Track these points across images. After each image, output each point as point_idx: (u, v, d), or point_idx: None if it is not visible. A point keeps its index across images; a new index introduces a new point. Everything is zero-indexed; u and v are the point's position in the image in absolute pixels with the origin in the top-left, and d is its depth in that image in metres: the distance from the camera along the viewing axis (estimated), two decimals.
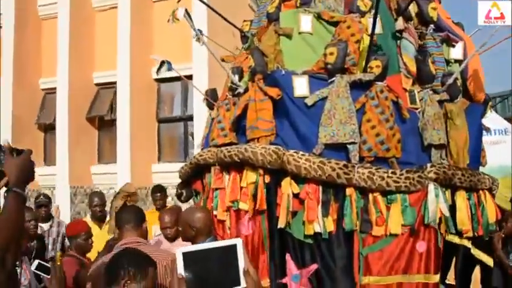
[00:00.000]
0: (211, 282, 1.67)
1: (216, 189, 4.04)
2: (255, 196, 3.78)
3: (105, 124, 10.98)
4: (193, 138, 9.14)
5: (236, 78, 4.14)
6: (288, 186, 3.69)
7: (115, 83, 10.58)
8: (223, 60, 4.46)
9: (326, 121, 3.73)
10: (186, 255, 1.66)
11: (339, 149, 3.73)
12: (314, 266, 3.69)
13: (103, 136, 11.14)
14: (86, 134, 11.00)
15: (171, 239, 5.05)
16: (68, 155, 10.59)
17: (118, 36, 10.16)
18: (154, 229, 5.87)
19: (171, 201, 8.96)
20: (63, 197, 10.55)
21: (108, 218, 6.27)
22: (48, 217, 6.33)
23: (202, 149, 4.38)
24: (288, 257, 3.73)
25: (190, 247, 1.69)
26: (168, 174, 9.25)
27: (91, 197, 6.24)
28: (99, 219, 6.14)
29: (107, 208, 7.09)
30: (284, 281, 3.72)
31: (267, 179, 3.78)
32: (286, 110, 3.86)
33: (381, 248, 3.63)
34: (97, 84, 11.26)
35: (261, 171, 3.75)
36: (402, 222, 3.61)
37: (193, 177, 4.44)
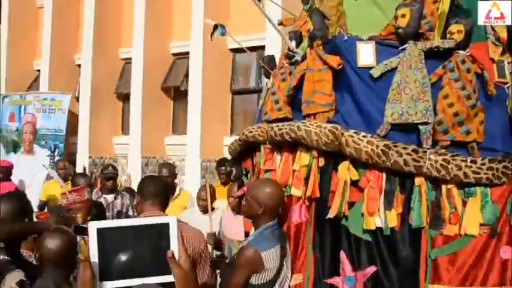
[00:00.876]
0: (133, 268, 1.41)
1: (267, 170, 3.58)
2: (307, 180, 3.28)
3: (180, 95, 10.75)
4: None
5: (293, 44, 3.60)
6: (345, 172, 3.14)
7: None
8: (281, 23, 3.94)
9: (394, 96, 3.14)
10: (102, 233, 1.39)
11: (408, 131, 3.13)
12: (371, 269, 3.14)
13: (178, 107, 10.93)
14: (161, 105, 10.85)
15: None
16: (141, 125, 10.49)
17: (192, 6, 9.82)
18: (217, 203, 5.59)
19: None
20: (135, 167, 10.52)
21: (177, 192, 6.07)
22: (114, 189, 6.20)
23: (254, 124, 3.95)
24: (342, 255, 3.20)
25: (107, 222, 1.47)
26: None
27: (160, 168, 6.08)
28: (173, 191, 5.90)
29: (177, 180, 6.88)
30: (332, 281, 3.21)
31: (322, 162, 3.26)
32: (348, 82, 3.29)
33: (454, 251, 3.00)
34: (173, 54, 11.05)
35: (315, 153, 3.23)
36: (481, 221, 2.97)
37: (243, 154, 4.01)
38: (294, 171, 3.36)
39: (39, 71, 13.19)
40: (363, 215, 3.15)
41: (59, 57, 12.47)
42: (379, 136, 3.12)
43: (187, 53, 10.28)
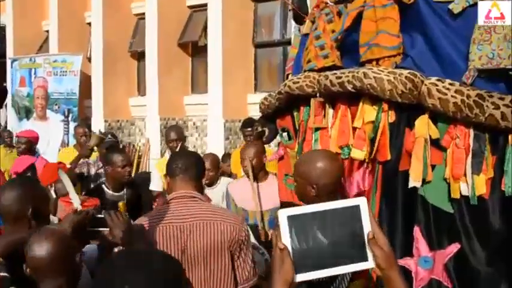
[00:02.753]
0: (326, 257, 1.31)
1: (317, 129, 2.99)
2: (373, 141, 2.69)
3: (199, 50, 9.97)
4: None
5: None
6: (425, 128, 2.54)
7: None
8: None
9: (482, 36, 2.50)
10: (292, 220, 1.31)
11: (498, 78, 2.52)
12: (454, 247, 2.57)
13: (197, 64, 10.16)
14: (178, 62, 10.09)
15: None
16: (158, 84, 9.82)
17: None
18: None
19: None
20: (154, 129, 9.93)
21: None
22: None
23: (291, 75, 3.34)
24: (417, 230, 2.62)
25: (296, 209, 1.34)
26: None
27: (167, 133, 5.43)
28: None
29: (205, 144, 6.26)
30: (404, 263, 2.62)
31: (392, 117, 2.66)
32: (420, 20, 2.69)
33: None
34: (190, 7, 10.20)
35: (385, 106, 2.63)
36: None
37: (280, 111, 3.39)
38: (354, 129, 2.77)
39: (48, 31, 12.53)
40: (444, 180, 2.57)
41: (69, 16, 11.73)
42: (465, 84, 2.50)
43: (204, 5, 9.47)
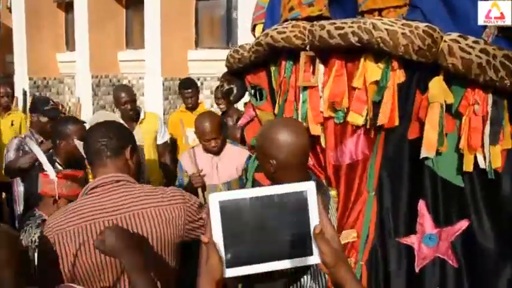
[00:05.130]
0: (264, 250, 1.14)
1: (305, 88, 2.60)
2: (377, 104, 2.33)
3: (134, 1, 9.14)
4: (237, 22, 7.54)
5: None
6: (441, 91, 2.21)
7: None
8: None
9: None
10: (225, 205, 1.13)
11: None
12: (463, 224, 2.29)
13: (132, 16, 9.39)
14: (111, 14, 9.29)
15: (218, 151, 3.76)
16: (88, 38, 9.02)
17: None
18: (188, 132, 4.60)
19: (210, 95, 7.55)
20: (85, 88, 9.17)
21: (142, 116, 4.97)
22: None
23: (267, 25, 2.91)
24: (422, 205, 2.32)
25: (229, 193, 1.14)
26: (208, 62, 7.76)
27: (117, 94, 4.85)
28: (132, 118, 4.83)
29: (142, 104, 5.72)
30: (407, 241, 2.34)
31: (401, 77, 2.30)
32: None
33: None
34: None
35: (395, 64, 2.26)
36: None
37: (253, 66, 2.96)
38: (353, 89, 2.40)
39: None
40: (457, 151, 2.27)
41: None
42: (486, 43, 2.18)
43: None
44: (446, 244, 2.30)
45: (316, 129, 2.54)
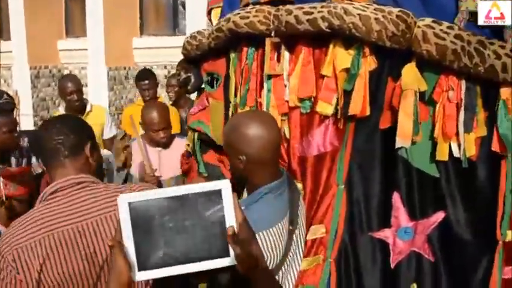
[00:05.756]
0: (176, 252, 1.11)
1: (270, 76, 2.45)
2: (348, 92, 2.22)
3: None
4: (184, 7, 7.31)
5: None
6: (415, 78, 2.12)
7: None
8: None
9: None
10: (135, 207, 1.11)
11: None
12: (439, 216, 2.22)
13: (72, 2, 9.03)
14: (49, 0, 8.90)
15: (167, 144, 3.57)
16: (25, 26, 8.57)
17: None
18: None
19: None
20: (23, 80, 8.73)
21: (88, 108, 4.72)
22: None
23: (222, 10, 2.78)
24: (396, 197, 2.23)
25: (140, 194, 1.12)
26: (154, 50, 7.53)
27: (62, 84, 4.61)
28: (78, 110, 4.58)
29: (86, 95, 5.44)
30: (381, 235, 2.25)
31: (372, 64, 2.20)
32: None
33: None
34: None
35: (366, 51, 2.15)
36: None
37: (211, 54, 2.80)
38: (321, 77, 2.28)
39: None
40: (430, 140, 2.20)
41: None
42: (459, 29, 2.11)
43: None
44: (422, 237, 2.22)
45: (278, 120, 2.41)
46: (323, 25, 2.13)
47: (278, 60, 2.42)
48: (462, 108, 2.13)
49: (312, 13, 2.16)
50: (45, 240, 1.74)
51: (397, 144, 2.12)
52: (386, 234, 2.24)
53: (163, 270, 1.14)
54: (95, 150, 1.92)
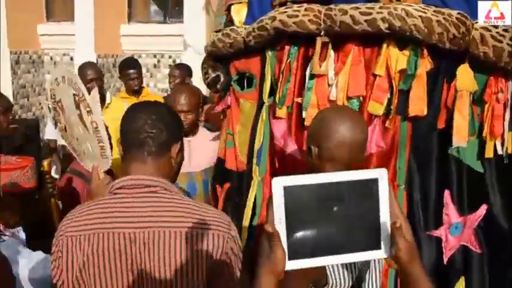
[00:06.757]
0: (328, 241, 1.05)
1: (312, 76, 2.46)
2: (405, 92, 2.27)
3: None
4: None
5: None
6: (469, 80, 2.20)
7: None
8: None
9: None
10: (289, 192, 1.03)
11: None
12: (483, 209, 2.30)
13: None
14: None
15: (189, 131, 3.35)
16: (5, 10, 8.28)
17: None
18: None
19: (146, 73, 7.19)
20: (3, 66, 8.46)
21: (108, 100, 4.56)
22: None
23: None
24: (446, 195, 2.30)
25: (296, 178, 1.04)
26: (142, 38, 7.39)
27: (81, 71, 4.42)
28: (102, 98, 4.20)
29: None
30: (437, 233, 2.31)
31: (428, 65, 2.26)
32: None
33: None
34: None
35: (425, 52, 2.21)
36: None
37: (245, 52, 2.78)
38: (374, 76, 2.33)
39: None
40: (477, 138, 2.29)
41: None
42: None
43: None
44: (469, 231, 2.31)
45: None
46: (383, 26, 2.16)
47: (323, 59, 2.45)
48: (508, 108, 2.22)
49: (371, 13, 2.19)
50: (93, 237, 1.65)
51: (454, 144, 2.18)
52: (440, 231, 2.32)
53: (313, 260, 1.08)
54: (180, 152, 1.81)
